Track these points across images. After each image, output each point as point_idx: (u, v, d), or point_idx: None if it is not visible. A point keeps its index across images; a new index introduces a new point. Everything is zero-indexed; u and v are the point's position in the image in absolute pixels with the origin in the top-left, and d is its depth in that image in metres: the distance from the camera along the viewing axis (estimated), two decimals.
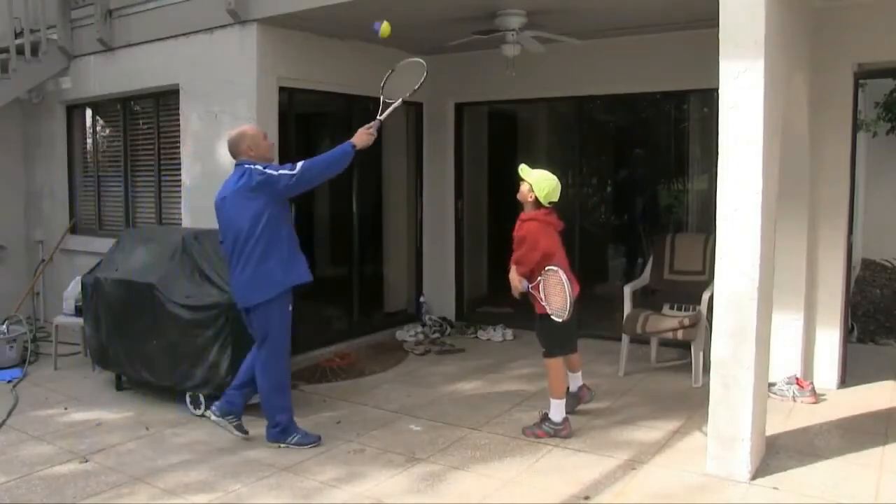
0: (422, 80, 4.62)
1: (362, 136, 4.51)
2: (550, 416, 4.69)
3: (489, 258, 8.62)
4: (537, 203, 4.66)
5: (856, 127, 5.64)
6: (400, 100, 4.61)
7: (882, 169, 10.44)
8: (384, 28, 4.62)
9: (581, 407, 5.05)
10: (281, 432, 4.58)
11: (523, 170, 4.72)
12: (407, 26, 5.43)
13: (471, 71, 7.36)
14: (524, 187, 4.70)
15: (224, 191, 4.54)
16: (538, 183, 4.65)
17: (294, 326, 4.64)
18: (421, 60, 4.67)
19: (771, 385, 5.14)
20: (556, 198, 4.69)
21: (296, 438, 4.58)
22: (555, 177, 4.71)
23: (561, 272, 4.52)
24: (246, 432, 4.70)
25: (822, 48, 5.32)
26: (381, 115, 4.59)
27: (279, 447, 4.56)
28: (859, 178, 8.11)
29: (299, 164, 4.40)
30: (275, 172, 4.39)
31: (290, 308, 4.53)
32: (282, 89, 6.25)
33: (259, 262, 4.40)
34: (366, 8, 5.56)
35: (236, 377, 4.72)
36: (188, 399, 5.20)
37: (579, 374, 5.02)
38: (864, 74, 5.61)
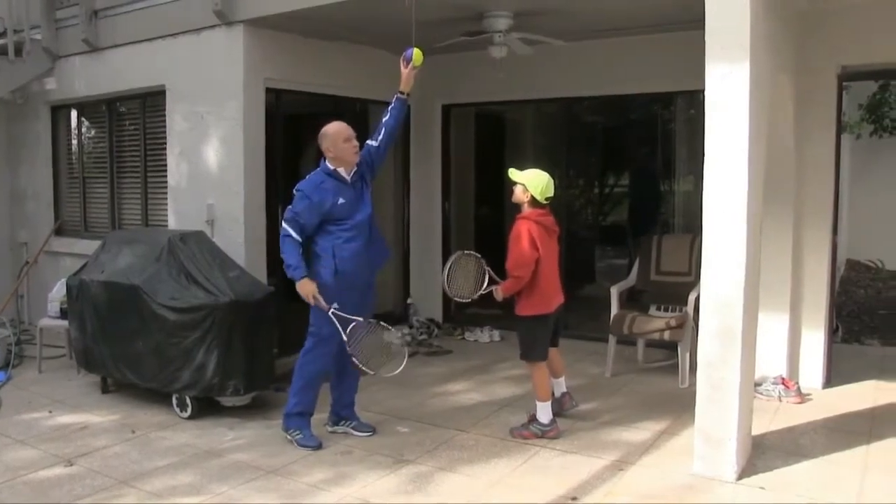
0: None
1: (308, 295, 4.39)
2: (538, 417, 4.70)
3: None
4: (534, 202, 4.66)
5: (840, 129, 5.69)
6: None
7: (866, 170, 10.54)
8: (416, 56, 4.61)
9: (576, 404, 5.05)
10: (285, 417, 4.66)
11: (513, 172, 4.73)
12: (394, 27, 5.43)
13: (458, 73, 7.36)
14: (518, 189, 4.69)
15: None
16: (531, 181, 4.65)
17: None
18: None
19: (757, 385, 5.17)
20: (551, 192, 4.71)
21: (297, 436, 4.61)
22: (545, 173, 4.72)
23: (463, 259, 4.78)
24: (371, 429, 4.83)
25: (807, 50, 5.36)
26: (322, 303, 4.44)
27: (287, 439, 4.64)
28: (844, 179, 8.17)
29: (285, 222, 4.46)
30: (294, 201, 4.47)
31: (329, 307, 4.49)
32: (269, 90, 6.23)
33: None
34: (351, 9, 5.56)
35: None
36: (175, 401, 5.17)
37: (562, 380, 5.02)
38: (847, 77, 5.65)
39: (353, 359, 4.35)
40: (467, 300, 4.86)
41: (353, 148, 4.54)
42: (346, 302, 4.50)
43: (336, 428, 4.85)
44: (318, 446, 4.59)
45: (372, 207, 4.66)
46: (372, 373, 4.43)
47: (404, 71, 4.62)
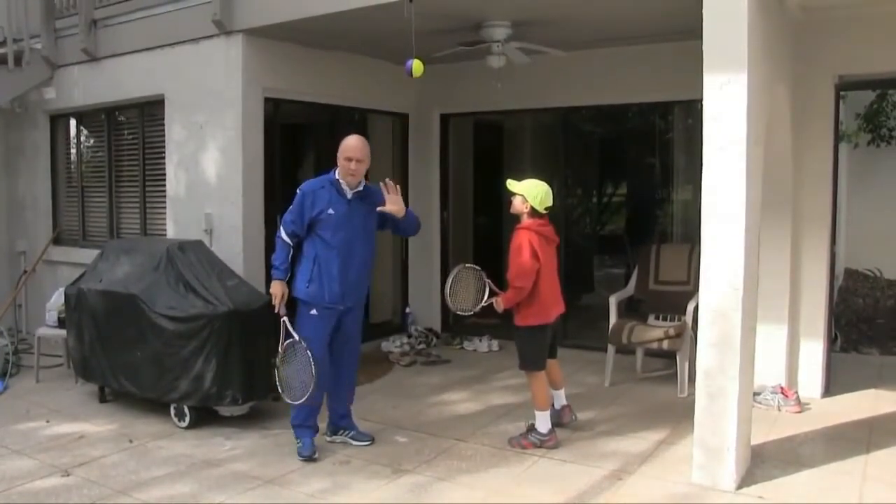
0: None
1: (275, 295, 4.47)
2: (537, 426, 4.69)
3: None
4: (533, 212, 4.66)
5: (837, 138, 5.70)
6: None
7: (864, 179, 10.53)
8: (415, 67, 4.61)
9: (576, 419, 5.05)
10: (293, 426, 4.64)
11: (511, 184, 4.72)
12: (392, 37, 5.45)
13: (456, 82, 7.38)
14: (516, 200, 4.68)
15: None
16: (529, 191, 4.65)
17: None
18: None
19: (756, 394, 5.16)
20: (550, 202, 4.71)
21: (298, 444, 4.59)
22: (543, 182, 4.72)
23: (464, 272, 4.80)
24: (370, 439, 4.82)
25: (804, 60, 5.37)
26: (282, 310, 4.50)
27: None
28: (841, 188, 8.19)
29: (281, 222, 4.60)
30: (292, 206, 4.54)
31: (313, 320, 4.51)
32: (267, 100, 6.24)
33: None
34: (350, 20, 5.57)
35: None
36: (173, 411, 5.16)
37: (562, 392, 5.00)
38: (844, 86, 5.67)
39: (275, 369, 4.39)
40: (469, 313, 4.86)
41: (348, 168, 4.49)
42: (320, 316, 4.54)
43: (334, 437, 4.83)
44: (308, 458, 4.52)
45: (365, 245, 4.63)
46: (280, 392, 4.45)
47: (392, 199, 4.54)
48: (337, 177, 4.56)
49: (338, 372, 4.69)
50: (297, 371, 4.37)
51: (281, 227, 4.57)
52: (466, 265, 4.90)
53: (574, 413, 5.03)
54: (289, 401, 4.45)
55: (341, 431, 4.83)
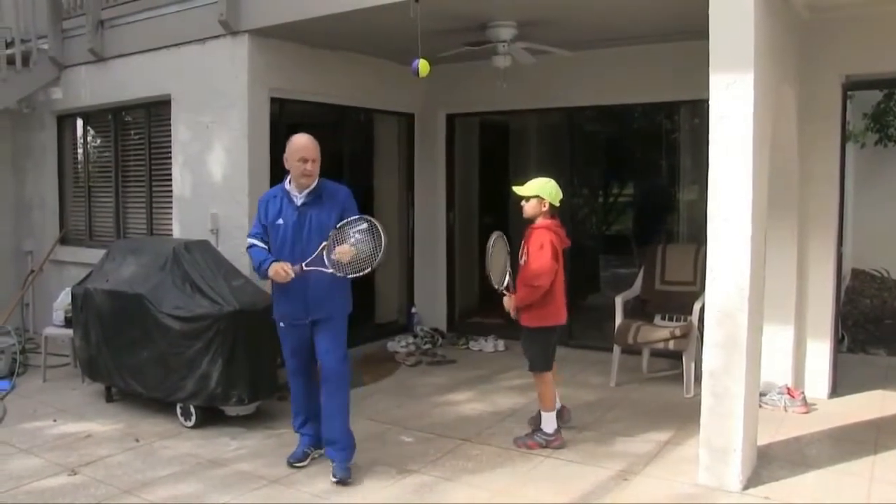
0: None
1: (278, 273, 4.05)
2: (543, 427, 4.68)
3: (481, 269, 8.59)
4: (551, 209, 4.63)
5: (844, 138, 5.68)
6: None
7: (871, 179, 10.51)
8: (422, 67, 4.57)
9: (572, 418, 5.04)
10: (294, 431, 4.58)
11: (518, 189, 4.68)
12: (398, 37, 5.45)
13: (462, 82, 7.38)
14: (530, 204, 4.62)
15: None
16: (542, 189, 4.62)
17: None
18: None
19: (762, 395, 5.15)
20: (561, 194, 4.70)
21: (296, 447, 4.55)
22: (547, 178, 4.70)
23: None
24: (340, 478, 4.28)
25: (810, 60, 5.36)
26: (306, 264, 4.08)
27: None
28: (848, 188, 8.16)
29: (249, 237, 4.31)
30: (258, 214, 4.33)
31: (282, 332, 4.36)
32: (273, 100, 6.25)
33: None
34: (355, 20, 5.58)
35: None
36: (179, 410, 5.17)
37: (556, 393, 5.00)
38: (851, 86, 5.65)
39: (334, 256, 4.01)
40: (494, 287, 4.66)
41: (302, 169, 4.13)
42: (288, 329, 4.34)
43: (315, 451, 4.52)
44: (292, 464, 4.39)
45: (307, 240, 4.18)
46: (340, 273, 4.04)
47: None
48: (287, 185, 4.24)
49: (318, 393, 4.34)
50: (365, 245, 4.04)
51: (248, 239, 4.29)
52: (503, 234, 4.73)
53: (569, 412, 5.02)
54: (366, 271, 4.04)
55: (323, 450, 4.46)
